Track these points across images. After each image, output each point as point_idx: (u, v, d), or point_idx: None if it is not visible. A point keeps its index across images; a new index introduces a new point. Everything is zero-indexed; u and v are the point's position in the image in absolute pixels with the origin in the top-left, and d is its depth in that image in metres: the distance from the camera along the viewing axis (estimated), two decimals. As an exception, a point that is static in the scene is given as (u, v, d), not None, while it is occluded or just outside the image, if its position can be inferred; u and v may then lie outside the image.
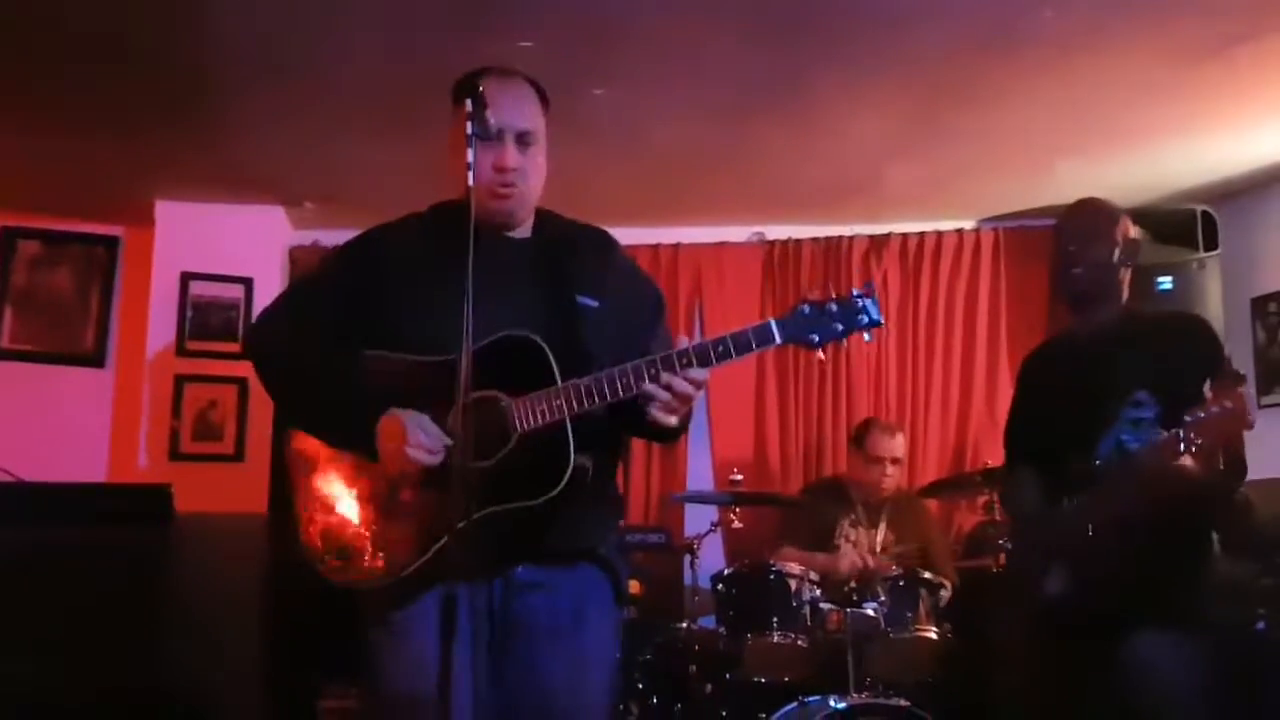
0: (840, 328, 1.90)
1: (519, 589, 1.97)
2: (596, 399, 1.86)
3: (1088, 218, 2.69)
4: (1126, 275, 2.65)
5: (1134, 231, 2.67)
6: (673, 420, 1.88)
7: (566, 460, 1.86)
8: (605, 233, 2.17)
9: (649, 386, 1.85)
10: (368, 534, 1.96)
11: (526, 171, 2.00)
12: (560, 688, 1.96)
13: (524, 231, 2.09)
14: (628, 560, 2.16)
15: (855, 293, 1.91)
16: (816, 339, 1.89)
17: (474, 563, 1.79)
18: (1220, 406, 2.19)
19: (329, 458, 2.01)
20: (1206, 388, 2.22)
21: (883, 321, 1.92)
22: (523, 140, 1.99)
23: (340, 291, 2.06)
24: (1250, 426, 2.22)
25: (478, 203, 1.89)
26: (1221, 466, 2.30)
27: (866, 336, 1.92)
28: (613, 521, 2.14)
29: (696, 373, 1.85)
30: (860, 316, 1.90)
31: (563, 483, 1.86)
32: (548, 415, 1.87)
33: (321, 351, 2.00)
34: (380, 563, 1.94)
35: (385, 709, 1.97)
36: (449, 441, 1.85)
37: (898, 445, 4.32)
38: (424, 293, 1.96)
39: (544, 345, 1.90)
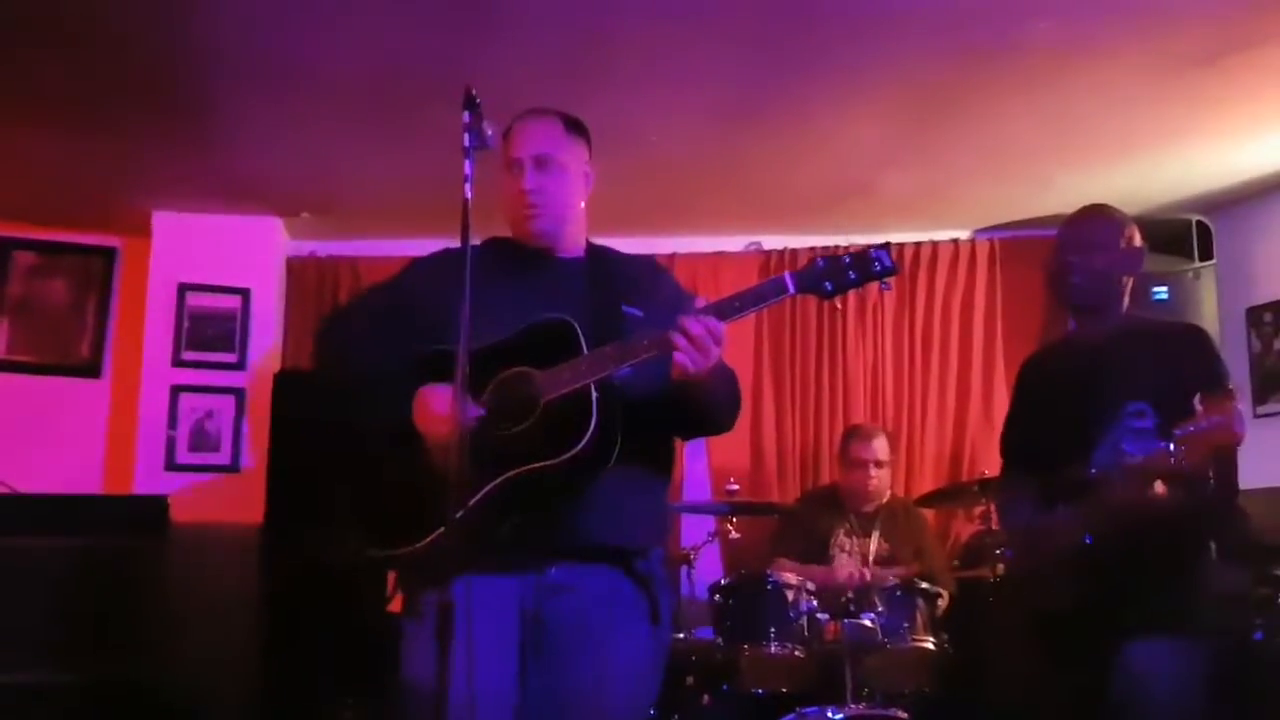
0: (854, 276, 1.95)
1: (550, 590, 1.99)
2: (618, 362, 1.91)
3: (1089, 225, 2.65)
4: (1128, 283, 2.63)
5: (1139, 240, 2.65)
6: (690, 367, 1.88)
7: (589, 423, 1.89)
8: (657, 261, 2.33)
9: (672, 335, 1.87)
10: (405, 505, 1.99)
11: (546, 190, 2.13)
12: (582, 693, 1.97)
13: (574, 253, 2.21)
14: (667, 581, 2.16)
15: (869, 245, 1.97)
16: (830, 287, 1.95)
17: (507, 554, 1.90)
18: (1209, 420, 2.18)
19: (365, 440, 2.10)
20: (1196, 401, 2.20)
21: (897, 268, 1.97)
22: (540, 163, 2.14)
23: (402, 300, 2.18)
24: (1239, 440, 2.20)
25: (514, 227, 2.18)
26: (1212, 481, 2.29)
27: (884, 286, 1.97)
28: (653, 534, 2.14)
29: (713, 322, 1.90)
30: (874, 265, 1.95)
31: (582, 442, 1.88)
32: (571, 381, 1.92)
33: (379, 344, 2.12)
34: (414, 532, 1.96)
35: (410, 699, 1.98)
36: (479, 413, 1.93)
37: (878, 447, 4.31)
38: (474, 304, 2.03)
39: (574, 323, 1.97)
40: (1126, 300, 2.64)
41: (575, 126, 2.21)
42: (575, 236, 2.22)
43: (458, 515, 1.86)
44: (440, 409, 1.94)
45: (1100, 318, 2.61)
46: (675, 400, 1.99)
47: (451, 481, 1.72)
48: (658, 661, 2.12)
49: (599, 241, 2.29)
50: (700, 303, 1.96)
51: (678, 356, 1.88)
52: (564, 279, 2.15)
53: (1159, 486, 2.29)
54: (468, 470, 1.79)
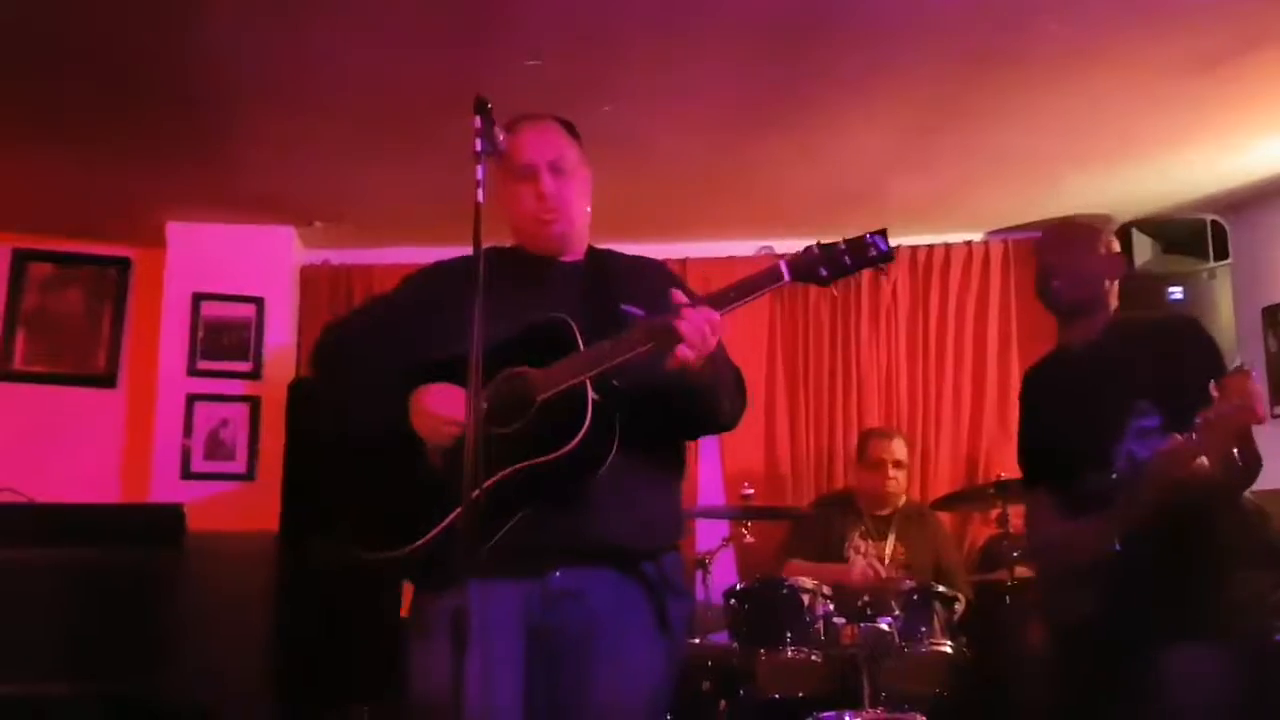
0: (850, 262, 1.92)
1: (555, 598, 1.96)
2: (613, 356, 1.89)
3: (1064, 233, 2.72)
4: (1113, 287, 2.63)
5: (1116, 245, 2.67)
6: (689, 356, 1.84)
7: (583, 420, 1.88)
8: (661, 262, 2.30)
9: (671, 322, 1.84)
10: (404, 508, 1.99)
11: (565, 195, 2.12)
12: (596, 707, 1.94)
13: (575, 257, 2.20)
14: (681, 588, 2.14)
15: (866, 232, 1.93)
16: (826, 274, 1.93)
17: (507, 559, 1.85)
18: (1229, 404, 2.16)
19: (361, 447, 2.10)
20: (1212, 387, 2.18)
21: (893, 254, 1.93)
22: (555, 168, 2.11)
23: (398, 312, 2.18)
24: (1261, 418, 2.16)
25: (528, 235, 2.15)
26: (1241, 464, 2.27)
27: (881, 272, 1.95)
28: (660, 534, 2.10)
29: (709, 312, 1.88)
30: (870, 251, 1.91)
31: (578, 437, 1.87)
32: (566, 378, 1.91)
33: (376, 354, 2.12)
34: (412, 535, 1.96)
35: (417, 715, 1.97)
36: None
37: (896, 447, 4.33)
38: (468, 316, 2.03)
39: (569, 321, 1.95)
40: (1113, 305, 2.63)
41: (571, 129, 2.21)
42: (581, 240, 2.22)
43: (453, 517, 1.85)
44: (437, 409, 1.94)
45: (1088, 322, 2.59)
46: (674, 392, 1.95)
47: (464, 482, 1.68)
48: (670, 672, 2.08)
49: (606, 246, 2.27)
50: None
51: (678, 350, 1.84)
52: (563, 281, 2.13)
53: (1204, 462, 2.23)
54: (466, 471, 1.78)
